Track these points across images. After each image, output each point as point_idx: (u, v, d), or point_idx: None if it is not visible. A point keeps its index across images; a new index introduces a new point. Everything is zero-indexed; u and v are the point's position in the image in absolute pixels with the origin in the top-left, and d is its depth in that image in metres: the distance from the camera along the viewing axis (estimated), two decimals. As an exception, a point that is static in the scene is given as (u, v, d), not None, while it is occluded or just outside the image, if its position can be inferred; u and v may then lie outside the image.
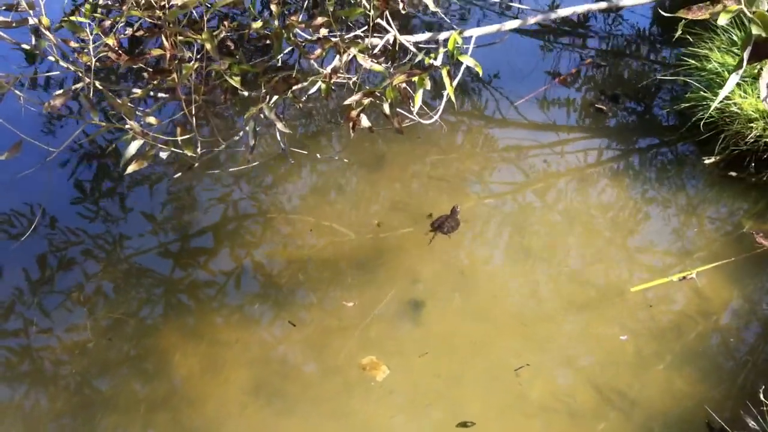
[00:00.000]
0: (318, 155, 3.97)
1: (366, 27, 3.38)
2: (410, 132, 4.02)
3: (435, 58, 3.38)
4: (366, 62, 2.92)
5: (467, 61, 3.26)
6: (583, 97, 4.66)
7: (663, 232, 3.72)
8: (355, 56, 2.94)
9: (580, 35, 5.34)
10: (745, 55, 1.91)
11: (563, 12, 4.14)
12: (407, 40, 3.69)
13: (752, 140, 3.88)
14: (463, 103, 4.56)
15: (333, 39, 2.96)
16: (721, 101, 3.91)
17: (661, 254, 3.60)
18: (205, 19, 2.86)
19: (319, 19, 2.94)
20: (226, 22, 3.34)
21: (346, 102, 2.95)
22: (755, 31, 1.86)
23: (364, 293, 3.36)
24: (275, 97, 3.12)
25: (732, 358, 3.15)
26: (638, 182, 4.01)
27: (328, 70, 3.01)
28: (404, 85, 3.15)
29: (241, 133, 3.50)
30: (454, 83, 3.67)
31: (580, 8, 4.24)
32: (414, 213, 3.75)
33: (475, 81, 4.73)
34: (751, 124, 3.88)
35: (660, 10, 4.26)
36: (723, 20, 1.89)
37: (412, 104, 3.26)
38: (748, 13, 1.85)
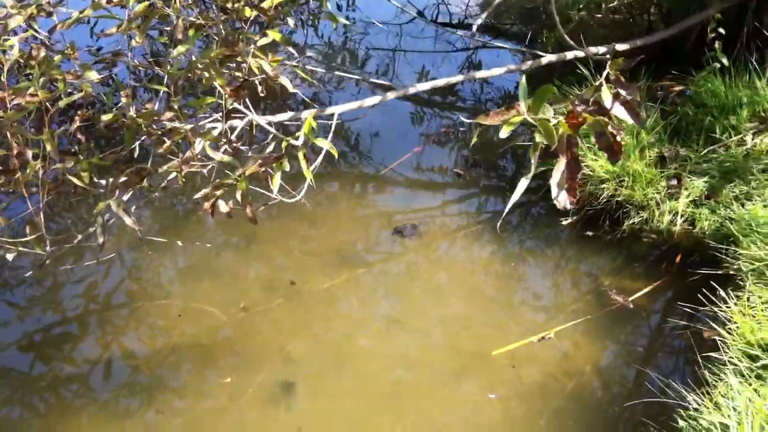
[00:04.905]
0: (179, 242, 3.95)
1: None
2: (276, 210, 4.06)
3: (297, 139, 3.43)
4: (215, 154, 2.94)
5: (323, 144, 3.33)
6: (447, 163, 4.83)
7: (525, 294, 3.86)
8: (204, 147, 2.96)
9: (449, 101, 5.56)
10: (534, 160, 2.04)
11: (422, 86, 4.28)
12: (269, 121, 3.75)
13: (605, 200, 4.10)
14: (331, 175, 4.64)
15: (181, 131, 2.97)
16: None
17: (525, 315, 3.73)
18: (46, 118, 2.83)
19: (168, 114, 2.95)
20: (80, 112, 3.31)
21: (197, 196, 2.95)
22: (538, 139, 2.00)
23: (236, 375, 3.33)
24: (129, 190, 3.10)
25: (600, 415, 3.25)
26: (499, 246, 4.14)
27: (180, 161, 3.02)
28: (263, 169, 3.18)
29: (96, 225, 3.46)
30: (317, 162, 3.75)
31: (440, 82, 4.41)
32: (285, 290, 3.76)
33: (345, 150, 4.85)
34: (603, 185, 4.10)
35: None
36: (504, 133, 2.01)
37: (272, 185, 3.29)
38: (532, 122, 1.97)
